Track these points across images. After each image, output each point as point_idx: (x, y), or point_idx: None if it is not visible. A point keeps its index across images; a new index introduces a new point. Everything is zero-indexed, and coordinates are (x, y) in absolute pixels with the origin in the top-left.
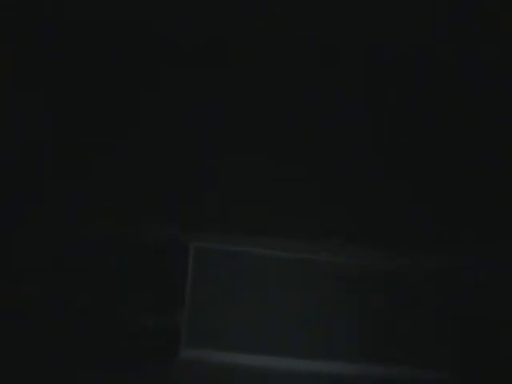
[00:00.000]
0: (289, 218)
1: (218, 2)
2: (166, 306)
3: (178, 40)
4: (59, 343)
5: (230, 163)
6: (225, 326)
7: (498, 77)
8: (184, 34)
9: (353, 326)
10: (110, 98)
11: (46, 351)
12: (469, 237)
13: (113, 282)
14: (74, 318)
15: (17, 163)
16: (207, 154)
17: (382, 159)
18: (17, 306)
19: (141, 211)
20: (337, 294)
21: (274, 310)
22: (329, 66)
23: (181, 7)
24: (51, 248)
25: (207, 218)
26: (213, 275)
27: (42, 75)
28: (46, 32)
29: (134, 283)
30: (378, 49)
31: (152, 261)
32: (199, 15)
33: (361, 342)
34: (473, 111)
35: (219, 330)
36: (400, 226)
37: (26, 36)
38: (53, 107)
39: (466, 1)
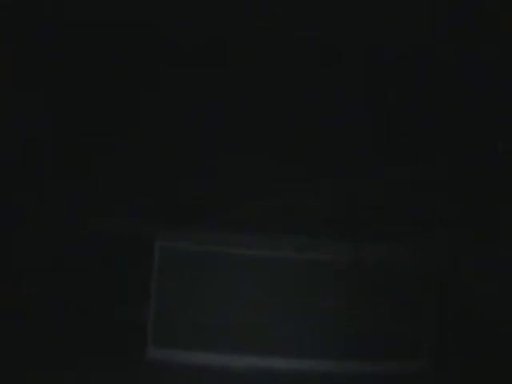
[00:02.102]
0: (254, 216)
1: (217, 2)
2: (134, 306)
3: (178, 40)
4: (27, 341)
5: (208, 163)
6: (191, 326)
7: (498, 77)
8: (184, 34)
9: (325, 322)
10: (110, 97)
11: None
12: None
13: (80, 279)
14: (38, 317)
15: (17, 163)
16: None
17: (381, 159)
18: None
19: (111, 208)
20: (307, 291)
21: (242, 309)
22: (329, 66)
23: (181, 7)
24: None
25: (173, 217)
26: (179, 274)
27: (41, 75)
28: (46, 32)
29: (100, 282)
30: (378, 49)
31: (116, 259)
32: (199, 15)
33: (334, 339)
34: (473, 111)
35: (186, 330)
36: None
37: (26, 36)
38: (53, 107)
39: (465, 1)
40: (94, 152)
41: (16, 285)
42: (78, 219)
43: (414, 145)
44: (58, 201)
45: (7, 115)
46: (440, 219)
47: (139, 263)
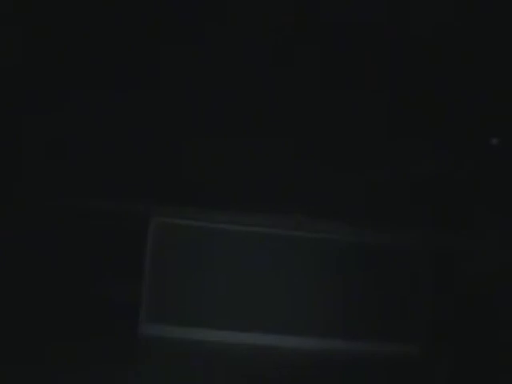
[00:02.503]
0: (252, 193)
1: None
2: (127, 283)
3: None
4: (21, 318)
5: (194, 141)
6: (185, 302)
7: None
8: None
9: (320, 301)
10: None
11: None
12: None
13: (75, 256)
14: (34, 293)
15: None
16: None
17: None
18: None
19: (106, 185)
20: (303, 270)
21: (235, 285)
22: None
23: None
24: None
25: (168, 193)
26: (173, 250)
27: None
28: None
29: (95, 258)
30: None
31: (113, 235)
32: None
33: (328, 318)
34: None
35: (179, 306)
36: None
37: None
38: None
39: None
40: (89, 131)
41: (8, 263)
42: (71, 197)
43: (417, 138)
44: (51, 179)
45: None
46: (441, 206)
47: (133, 239)
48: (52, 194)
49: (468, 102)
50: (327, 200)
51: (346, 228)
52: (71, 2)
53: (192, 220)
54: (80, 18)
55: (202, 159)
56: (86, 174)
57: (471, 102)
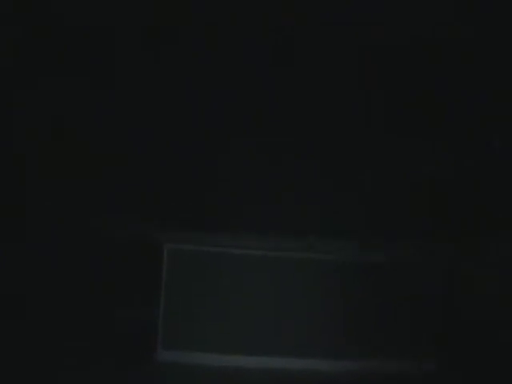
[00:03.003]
0: (263, 218)
1: None
2: (143, 310)
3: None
4: (40, 343)
5: (206, 165)
6: (201, 328)
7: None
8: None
9: (333, 322)
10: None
11: (23, 348)
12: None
13: (91, 283)
14: (51, 320)
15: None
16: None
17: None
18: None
19: (121, 213)
20: (314, 291)
21: (250, 310)
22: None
23: None
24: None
25: (181, 220)
26: (187, 276)
27: None
28: None
29: (110, 285)
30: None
31: (127, 262)
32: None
33: (341, 338)
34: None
35: (195, 332)
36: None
37: None
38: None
39: None
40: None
41: (31, 289)
42: (88, 224)
43: (421, 146)
44: (71, 207)
45: None
46: (445, 221)
47: (148, 266)
48: (73, 221)
49: (468, 102)
50: (334, 217)
51: (353, 247)
52: (71, 2)
53: (206, 245)
54: (80, 17)
55: (214, 186)
56: (103, 201)
57: (471, 102)
